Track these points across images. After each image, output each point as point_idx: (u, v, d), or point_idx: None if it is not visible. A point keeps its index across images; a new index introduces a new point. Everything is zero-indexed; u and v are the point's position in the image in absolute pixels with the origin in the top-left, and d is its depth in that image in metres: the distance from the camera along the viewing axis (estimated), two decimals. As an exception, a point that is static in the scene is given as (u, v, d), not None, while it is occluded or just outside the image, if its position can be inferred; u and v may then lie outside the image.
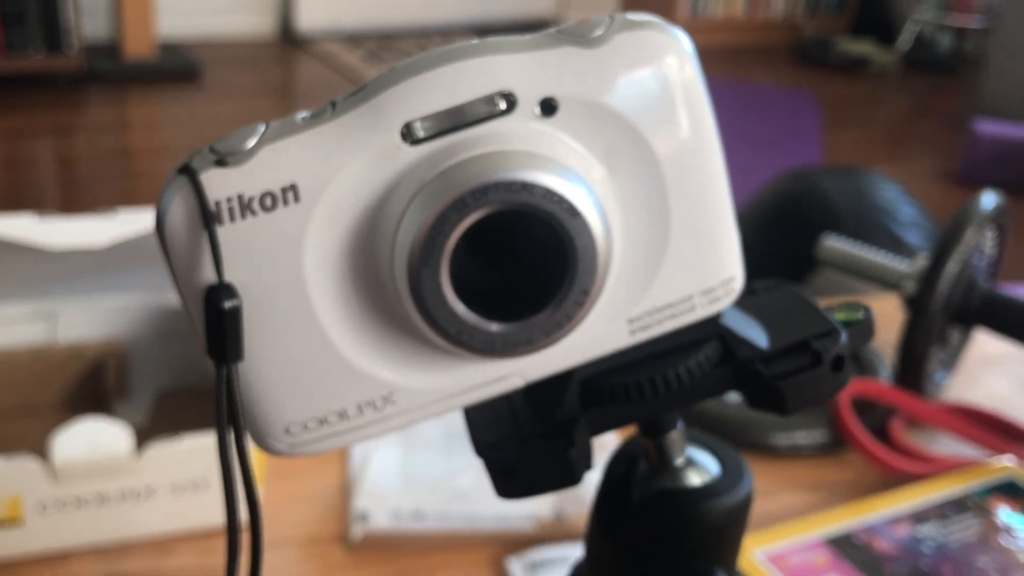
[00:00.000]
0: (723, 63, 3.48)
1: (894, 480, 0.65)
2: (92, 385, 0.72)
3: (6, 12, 2.52)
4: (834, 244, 0.83)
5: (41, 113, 2.53)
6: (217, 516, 0.59)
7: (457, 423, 0.66)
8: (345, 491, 0.62)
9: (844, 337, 0.29)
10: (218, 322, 0.25)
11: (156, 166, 2.37)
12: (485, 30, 3.43)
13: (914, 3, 3.69)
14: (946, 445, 0.71)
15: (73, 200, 2.12)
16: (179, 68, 2.81)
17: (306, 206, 0.25)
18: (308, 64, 3.08)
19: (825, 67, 3.60)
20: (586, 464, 0.29)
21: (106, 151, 2.39)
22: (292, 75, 3.12)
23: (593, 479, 0.35)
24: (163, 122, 2.64)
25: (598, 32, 0.25)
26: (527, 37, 0.26)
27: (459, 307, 0.24)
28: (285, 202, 0.25)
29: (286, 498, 0.62)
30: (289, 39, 3.23)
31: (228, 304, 0.25)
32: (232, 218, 0.25)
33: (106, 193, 2.15)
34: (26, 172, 2.29)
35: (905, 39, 3.66)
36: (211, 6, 3.13)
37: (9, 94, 2.57)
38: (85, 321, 0.72)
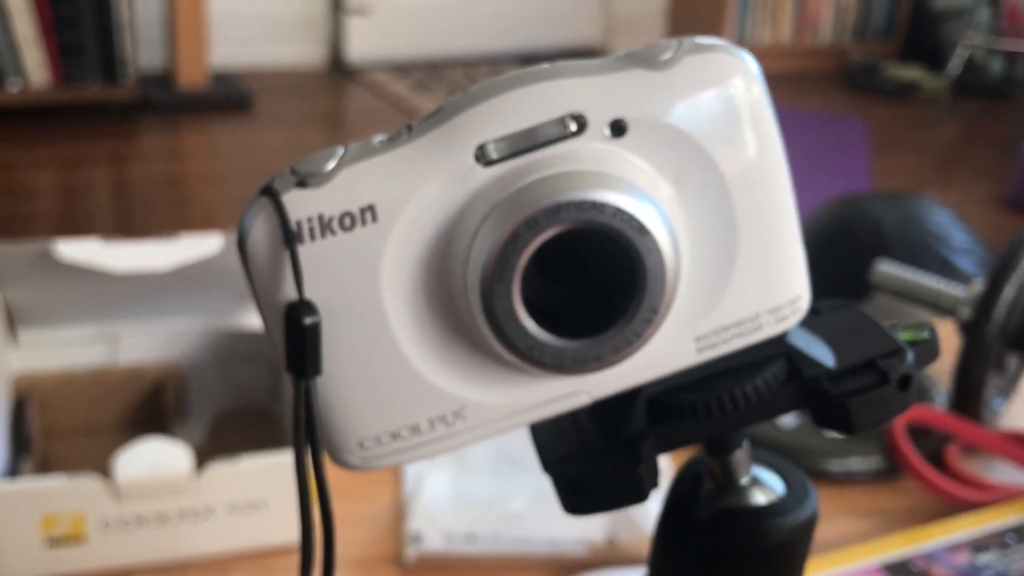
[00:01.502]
0: (770, 89, 3.46)
1: (951, 507, 0.64)
2: (151, 406, 0.73)
3: (64, 44, 2.58)
4: (887, 269, 0.82)
5: (97, 141, 2.59)
6: (275, 536, 0.60)
7: (509, 447, 0.67)
8: (399, 512, 0.63)
9: (910, 356, 0.29)
10: (298, 338, 0.26)
11: (208, 193, 2.40)
12: (532, 58, 3.46)
13: (964, 28, 3.66)
14: (1004, 473, 0.70)
15: (126, 226, 2.16)
16: (231, 97, 2.86)
17: (384, 226, 0.26)
18: (357, 93, 3.12)
19: (873, 92, 3.58)
20: (653, 481, 0.29)
21: (159, 179, 2.44)
22: (342, 104, 3.16)
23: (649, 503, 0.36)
24: (215, 150, 2.68)
25: (667, 55, 0.26)
26: (596, 61, 0.27)
27: (530, 324, 0.25)
28: (363, 222, 0.25)
29: (341, 519, 0.62)
30: (339, 69, 3.28)
31: (308, 320, 0.25)
32: (312, 237, 0.25)
33: (159, 220, 2.19)
34: (81, 199, 2.34)
35: (955, 64, 3.63)
36: (263, 37, 3.19)
37: (66, 123, 2.62)
38: (145, 343, 0.73)
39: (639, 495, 0.29)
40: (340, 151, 0.26)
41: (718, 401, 0.29)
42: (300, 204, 0.25)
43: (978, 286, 0.73)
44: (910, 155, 3.00)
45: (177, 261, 0.65)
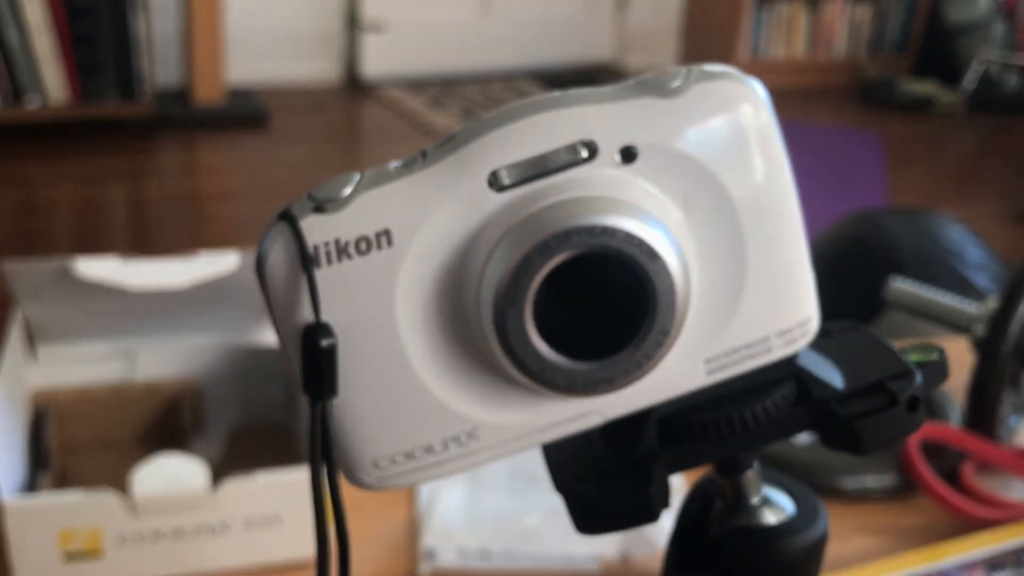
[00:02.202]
0: (785, 104, 3.45)
1: (966, 526, 0.64)
2: (168, 421, 0.74)
3: (83, 61, 2.61)
4: (902, 286, 0.82)
5: (114, 158, 2.61)
6: (290, 551, 0.60)
7: (523, 464, 0.67)
8: (413, 529, 0.63)
9: (919, 378, 0.30)
10: (315, 360, 0.26)
11: (224, 210, 2.42)
12: (545, 75, 3.47)
13: (979, 43, 3.66)
14: (1020, 491, 0.69)
15: (143, 242, 2.18)
16: (247, 114, 2.88)
17: (399, 250, 0.26)
18: (373, 109, 3.14)
19: (888, 108, 3.57)
20: (664, 502, 0.29)
21: (176, 195, 2.45)
22: (357, 120, 3.18)
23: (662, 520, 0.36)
24: (231, 167, 2.70)
25: (676, 83, 0.26)
26: (607, 88, 0.27)
27: (542, 346, 0.25)
28: (379, 246, 0.26)
29: (355, 535, 0.62)
30: (354, 85, 3.30)
31: (325, 343, 0.26)
32: (329, 261, 0.26)
33: (175, 236, 2.21)
34: (99, 215, 2.35)
35: (970, 79, 3.62)
36: (279, 53, 3.21)
37: (84, 139, 2.65)
38: (163, 360, 0.74)
39: (650, 515, 0.29)
40: (356, 177, 0.26)
41: (728, 422, 0.29)
42: (317, 229, 0.26)
43: (992, 303, 0.72)
44: (925, 170, 3.00)
45: (194, 279, 0.66)
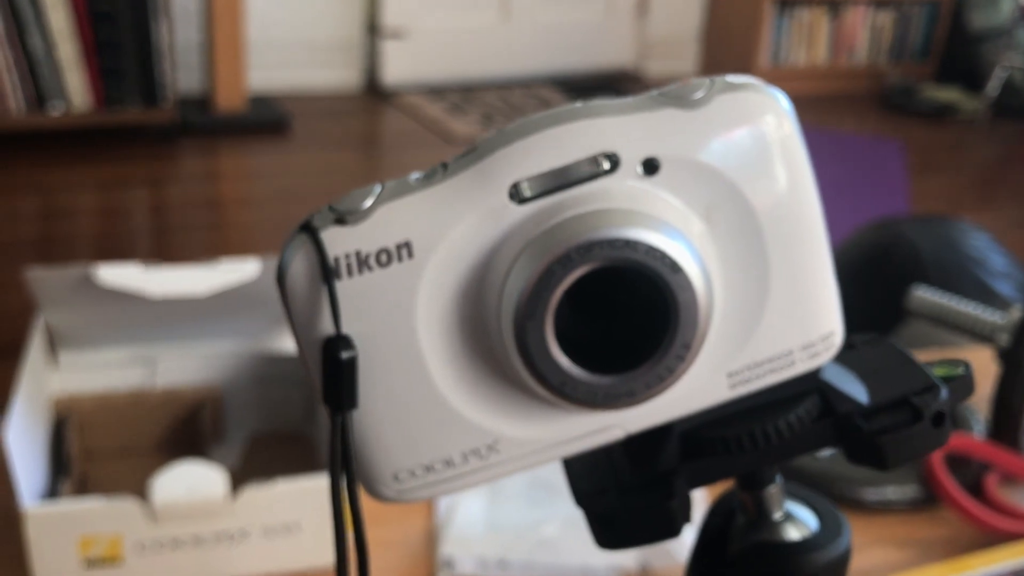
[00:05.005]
0: (806, 111, 3.44)
1: (990, 538, 0.63)
2: (188, 428, 0.74)
3: (105, 68, 2.63)
4: (924, 295, 0.82)
5: (136, 164, 2.62)
6: (309, 559, 0.60)
7: (543, 473, 0.67)
8: (431, 538, 0.63)
9: (944, 393, 0.29)
10: (335, 372, 0.26)
11: (245, 216, 2.43)
12: (565, 81, 3.47)
13: (1002, 49, 3.63)
14: (1045, 503, 0.69)
15: (164, 248, 2.19)
16: (269, 120, 2.89)
17: (419, 262, 0.26)
18: (393, 116, 3.15)
19: (910, 114, 3.55)
20: (686, 516, 0.29)
21: (197, 201, 2.46)
22: (377, 127, 3.18)
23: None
24: (253, 173, 2.71)
25: (699, 94, 0.26)
26: (629, 99, 0.27)
27: (563, 359, 0.25)
28: (400, 258, 0.26)
29: (373, 544, 0.62)
30: (375, 92, 3.30)
31: (345, 355, 0.26)
32: (350, 273, 0.26)
33: (196, 242, 2.21)
34: (120, 221, 2.37)
35: (993, 85, 3.60)
36: (299, 60, 3.22)
37: (106, 145, 2.66)
38: (183, 366, 0.74)
39: (672, 530, 0.29)
40: (377, 188, 0.26)
41: (750, 437, 0.29)
42: (338, 241, 0.26)
43: (1016, 313, 0.72)
44: (948, 177, 2.98)
45: (215, 286, 0.66)
